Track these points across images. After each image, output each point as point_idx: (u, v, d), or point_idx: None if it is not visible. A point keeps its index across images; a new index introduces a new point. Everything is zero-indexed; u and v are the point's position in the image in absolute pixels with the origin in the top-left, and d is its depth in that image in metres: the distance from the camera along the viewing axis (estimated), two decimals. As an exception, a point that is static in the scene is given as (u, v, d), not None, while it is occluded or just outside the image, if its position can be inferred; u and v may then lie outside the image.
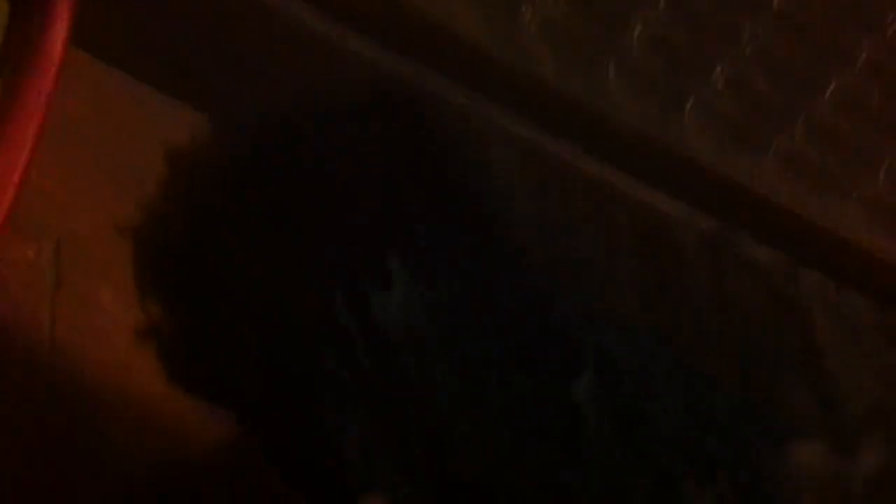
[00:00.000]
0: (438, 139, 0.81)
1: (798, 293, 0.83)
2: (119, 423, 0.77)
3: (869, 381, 0.79)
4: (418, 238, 0.77)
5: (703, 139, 0.89)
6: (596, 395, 0.74)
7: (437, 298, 0.77)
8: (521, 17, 0.83)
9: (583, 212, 0.82)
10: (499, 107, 0.86)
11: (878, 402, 0.79)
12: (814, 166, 0.92)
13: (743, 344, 0.78)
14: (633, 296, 0.77)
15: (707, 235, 0.84)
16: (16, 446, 0.75)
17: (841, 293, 0.87)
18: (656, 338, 0.77)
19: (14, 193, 0.75)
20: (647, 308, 0.77)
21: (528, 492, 0.72)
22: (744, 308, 0.80)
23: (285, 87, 0.88)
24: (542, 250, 0.78)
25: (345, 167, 0.80)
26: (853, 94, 0.88)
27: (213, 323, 0.79)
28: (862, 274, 0.91)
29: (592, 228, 0.80)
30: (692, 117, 0.90)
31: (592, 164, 0.86)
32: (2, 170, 0.73)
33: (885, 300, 0.91)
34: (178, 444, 0.78)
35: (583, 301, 0.77)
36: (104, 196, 0.89)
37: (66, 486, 0.75)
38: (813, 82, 0.89)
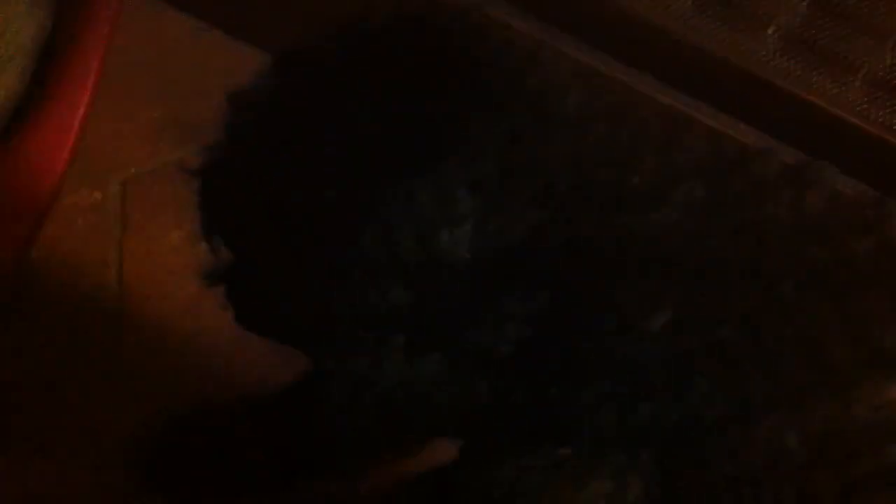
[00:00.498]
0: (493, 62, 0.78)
1: (886, 221, 0.78)
2: (187, 361, 0.77)
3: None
4: (484, 173, 0.74)
5: (784, 64, 0.84)
6: (671, 336, 0.72)
7: (507, 233, 0.75)
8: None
9: (657, 141, 0.78)
10: (560, 31, 0.82)
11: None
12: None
13: (828, 270, 0.74)
14: (710, 228, 0.74)
15: (789, 167, 0.80)
16: (88, 380, 0.76)
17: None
18: (736, 270, 0.74)
19: (76, 135, 0.74)
20: (726, 233, 0.74)
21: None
22: (828, 235, 0.76)
23: (343, 22, 0.85)
24: (613, 178, 0.75)
25: (407, 94, 0.78)
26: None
27: (277, 263, 0.77)
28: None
29: (667, 158, 0.77)
30: (774, 41, 0.86)
31: (666, 92, 0.83)
32: (64, 112, 0.72)
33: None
34: (246, 385, 0.77)
35: (653, 235, 0.74)
36: (167, 137, 0.88)
37: (137, 419, 0.75)
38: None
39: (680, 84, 0.86)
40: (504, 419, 0.75)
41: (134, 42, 0.86)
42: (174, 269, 0.79)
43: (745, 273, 0.75)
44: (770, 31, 0.84)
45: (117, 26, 0.77)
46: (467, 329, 0.73)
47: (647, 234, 0.75)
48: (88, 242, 0.79)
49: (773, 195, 0.78)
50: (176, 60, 0.92)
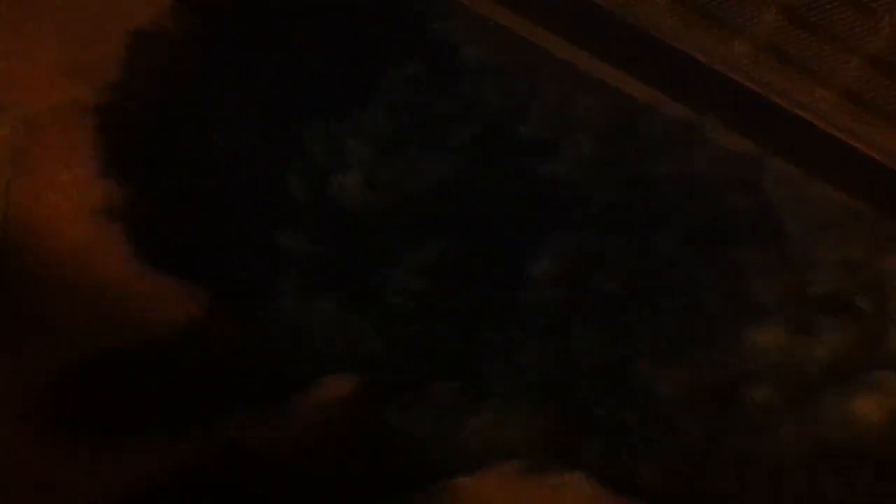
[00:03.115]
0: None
1: (765, 179, 0.83)
2: (82, 299, 0.77)
3: (832, 266, 0.80)
4: (375, 123, 0.76)
5: (671, 20, 0.87)
6: (556, 274, 0.75)
7: (400, 183, 0.77)
8: None
9: (550, 95, 0.80)
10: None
11: (839, 288, 0.79)
12: (788, 53, 0.90)
13: (708, 227, 0.78)
14: (596, 181, 0.77)
15: (676, 123, 0.83)
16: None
17: (808, 180, 0.87)
18: (619, 223, 0.77)
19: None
20: (613, 189, 0.77)
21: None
22: (711, 192, 0.80)
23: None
24: (506, 130, 0.77)
25: (308, 43, 0.79)
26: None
27: (177, 199, 0.78)
28: (831, 162, 0.91)
29: (559, 112, 0.79)
30: (664, 2, 0.88)
31: (562, 46, 0.84)
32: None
33: (853, 189, 0.91)
34: (143, 320, 0.78)
35: (547, 180, 0.77)
36: (62, 77, 0.87)
37: (34, 360, 0.75)
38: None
39: (578, 41, 0.88)
40: (395, 360, 0.77)
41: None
42: (63, 209, 0.79)
43: (626, 226, 0.78)
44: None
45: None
46: (360, 274, 0.75)
47: (536, 184, 0.77)
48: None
49: (658, 152, 0.81)
50: (76, 4, 0.91)
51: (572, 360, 0.74)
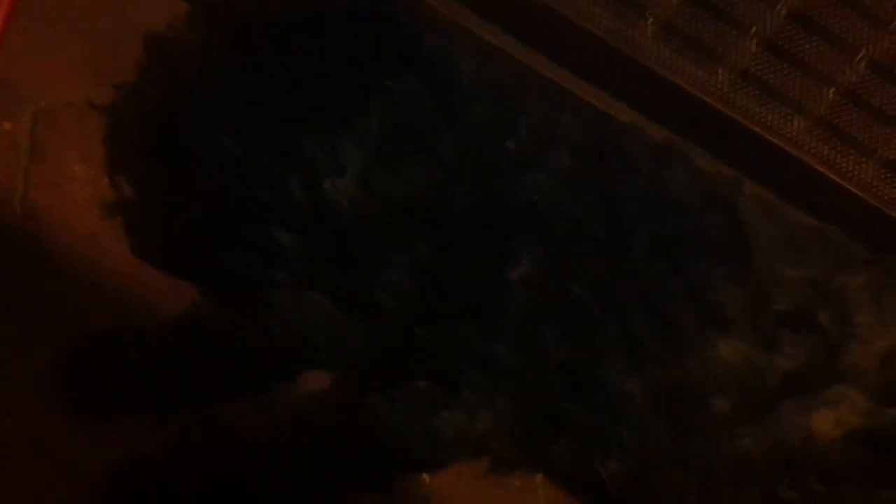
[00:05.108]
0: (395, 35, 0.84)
1: (738, 199, 0.87)
2: (85, 287, 0.82)
3: (797, 283, 0.84)
4: (370, 130, 0.81)
5: (657, 47, 0.92)
6: (531, 279, 0.79)
7: (390, 187, 0.81)
8: None
9: (536, 111, 0.85)
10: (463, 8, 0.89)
11: (803, 304, 0.83)
12: (767, 82, 0.95)
13: (678, 240, 0.83)
14: (574, 194, 0.81)
15: (655, 144, 0.88)
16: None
17: (781, 202, 0.91)
18: (595, 234, 0.82)
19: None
20: (589, 202, 0.82)
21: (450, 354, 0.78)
22: (684, 209, 0.84)
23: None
24: (491, 148, 0.82)
25: (309, 55, 0.84)
26: (807, 12, 0.91)
27: (177, 199, 0.83)
28: (802, 186, 0.96)
29: (542, 127, 0.84)
30: (653, 29, 0.93)
31: (549, 66, 0.90)
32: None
33: (822, 212, 0.95)
34: (140, 311, 0.83)
35: (529, 192, 0.81)
36: (81, 74, 0.93)
37: (34, 341, 0.80)
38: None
39: (566, 62, 0.93)
40: (376, 356, 0.82)
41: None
42: (78, 200, 0.84)
43: (602, 237, 0.82)
44: (649, 23, 0.92)
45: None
46: (348, 273, 0.80)
47: (518, 195, 0.82)
48: (-2, 171, 0.83)
49: (635, 169, 0.86)
50: (98, 4, 0.96)
51: (544, 360, 0.79)
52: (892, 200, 0.99)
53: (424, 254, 0.80)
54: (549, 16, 0.92)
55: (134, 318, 0.82)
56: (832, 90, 0.94)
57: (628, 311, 0.79)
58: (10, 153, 0.83)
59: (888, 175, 0.99)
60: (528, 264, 0.79)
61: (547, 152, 0.82)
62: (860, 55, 0.93)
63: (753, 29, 0.91)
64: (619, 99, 0.94)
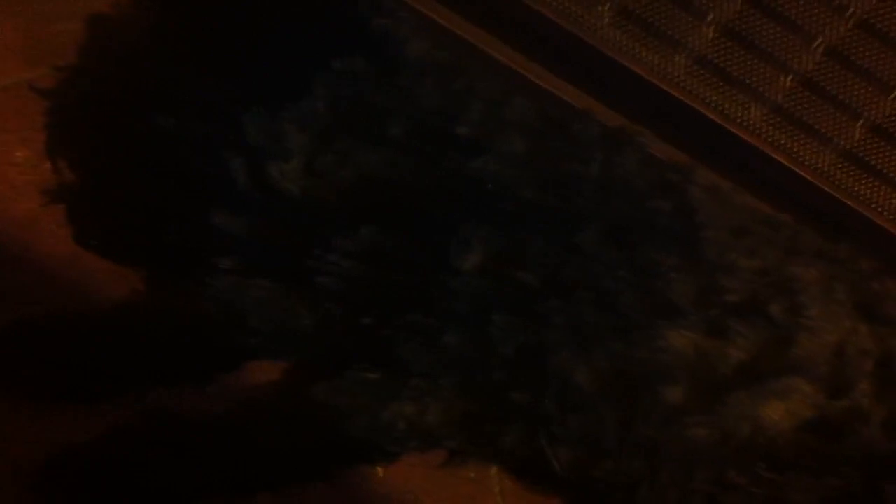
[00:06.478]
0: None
1: (690, 186, 0.86)
2: (23, 273, 0.80)
3: (748, 273, 0.84)
4: (316, 111, 0.79)
5: (614, 33, 0.91)
6: (481, 266, 0.78)
7: (338, 171, 0.80)
8: None
9: (487, 95, 0.84)
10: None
11: (754, 294, 0.83)
12: (723, 68, 0.94)
13: (628, 227, 0.82)
14: (525, 179, 0.80)
15: (607, 129, 0.87)
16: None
17: (734, 190, 0.91)
18: (544, 220, 0.81)
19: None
20: (539, 187, 0.81)
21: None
22: (635, 195, 0.83)
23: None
24: (442, 126, 0.81)
25: (254, 33, 0.82)
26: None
27: (120, 183, 0.81)
28: (756, 174, 0.95)
29: (494, 111, 0.83)
30: (609, 15, 0.92)
31: (504, 49, 0.88)
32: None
33: (775, 200, 0.95)
34: (80, 298, 0.81)
35: (478, 176, 0.80)
36: (23, 57, 0.90)
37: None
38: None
39: (520, 45, 0.92)
40: (323, 344, 0.81)
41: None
42: (17, 184, 0.82)
43: (551, 223, 0.81)
44: (606, 8, 0.91)
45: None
46: (294, 258, 0.79)
47: (468, 179, 0.81)
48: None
49: (587, 154, 0.85)
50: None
51: (493, 347, 0.78)
52: (848, 189, 0.99)
53: (372, 239, 0.79)
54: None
55: (74, 304, 0.80)
56: (790, 77, 0.93)
57: (577, 299, 0.78)
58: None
59: (844, 164, 0.99)
60: (478, 251, 0.78)
61: (498, 136, 0.81)
62: (817, 42, 0.93)
63: (711, 16, 0.90)
64: (574, 84, 0.93)
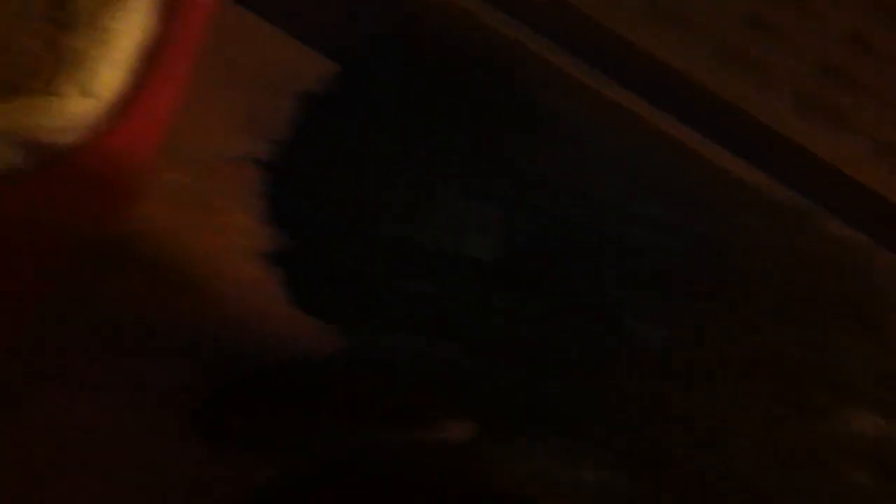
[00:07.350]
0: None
1: (873, 269, 0.87)
2: (242, 330, 0.89)
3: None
4: (501, 184, 0.84)
5: (793, 117, 0.93)
6: (665, 341, 0.81)
7: (517, 239, 0.85)
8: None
9: (654, 168, 0.87)
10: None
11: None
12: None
13: (806, 306, 0.83)
14: (705, 250, 0.83)
15: (782, 204, 0.89)
16: (143, 334, 0.87)
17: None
18: (723, 289, 0.83)
19: (163, 125, 0.85)
20: (718, 263, 0.83)
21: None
22: (814, 271, 0.84)
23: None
24: (606, 197, 0.84)
25: (445, 113, 0.88)
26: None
27: (330, 251, 0.89)
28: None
29: (671, 183, 0.86)
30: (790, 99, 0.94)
31: (669, 121, 0.91)
32: (155, 104, 0.84)
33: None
34: (289, 350, 0.89)
35: (658, 254, 0.83)
36: (240, 129, 0.99)
37: (189, 373, 0.87)
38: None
39: (684, 118, 0.95)
40: (502, 405, 0.85)
41: (223, 45, 0.95)
42: (239, 249, 0.91)
43: (730, 300, 0.84)
44: (784, 91, 0.93)
45: (207, 29, 0.87)
46: (480, 323, 0.84)
47: (648, 256, 0.84)
48: (170, 219, 0.91)
49: (761, 230, 0.87)
50: (256, 63, 1.03)
51: (675, 424, 0.80)
52: None
53: (551, 306, 0.83)
54: (672, 75, 0.94)
55: (291, 357, 0.88)
56: None
57: (751, 375, 0.80)
58: (181, 203, 0.90)
59: None
60: (663, 327, 0.81)
61: (675, 212, 0.84)
62: None
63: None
64: (745, 159, 0.95)
